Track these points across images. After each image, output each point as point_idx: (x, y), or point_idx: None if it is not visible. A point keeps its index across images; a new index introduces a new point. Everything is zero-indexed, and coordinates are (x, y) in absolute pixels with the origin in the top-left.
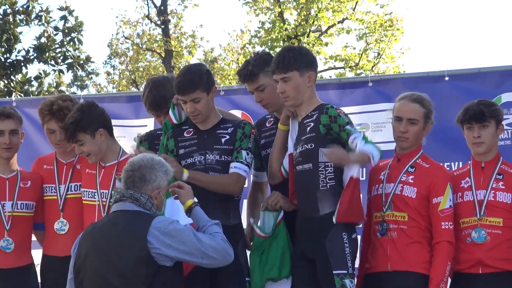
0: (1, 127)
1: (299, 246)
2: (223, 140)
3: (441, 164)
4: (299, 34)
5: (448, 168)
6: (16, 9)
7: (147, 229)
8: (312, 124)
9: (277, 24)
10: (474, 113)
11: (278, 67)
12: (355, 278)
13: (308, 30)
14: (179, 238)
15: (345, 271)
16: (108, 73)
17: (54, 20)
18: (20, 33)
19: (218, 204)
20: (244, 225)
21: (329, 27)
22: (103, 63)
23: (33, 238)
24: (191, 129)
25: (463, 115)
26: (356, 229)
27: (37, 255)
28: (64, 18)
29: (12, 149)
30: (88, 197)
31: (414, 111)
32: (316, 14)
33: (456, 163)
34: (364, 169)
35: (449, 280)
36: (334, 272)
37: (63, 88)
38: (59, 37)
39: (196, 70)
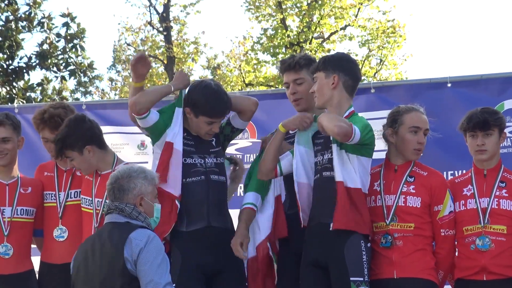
0: None
1: (311, 253)
2: (213, 143)
3: (443, 172)
4: (302, 40)
5: (451, 177)
6: (18, 15)
7: (124, 241)
8: None
9: (279, 30)
10: (478, 121)
11: (313, 67)
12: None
13: (310, 37)
14: (145, 255)
15: (362, 279)
16: (111, 79)
17: (56, 26)
18: (22, 39)
19: (217, 206)
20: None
21: (331, 34)
22: (107, 68)
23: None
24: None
25: (467, 123)
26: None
27: (36, 262)
28: (66, 24)
29: (6, 156)
30: (86, 205)
31: (427, 122)
32: (319, 21)
33: (459, 171)
34: None
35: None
36: (351, 279)
37: (66, 94)
38: (61, 43)
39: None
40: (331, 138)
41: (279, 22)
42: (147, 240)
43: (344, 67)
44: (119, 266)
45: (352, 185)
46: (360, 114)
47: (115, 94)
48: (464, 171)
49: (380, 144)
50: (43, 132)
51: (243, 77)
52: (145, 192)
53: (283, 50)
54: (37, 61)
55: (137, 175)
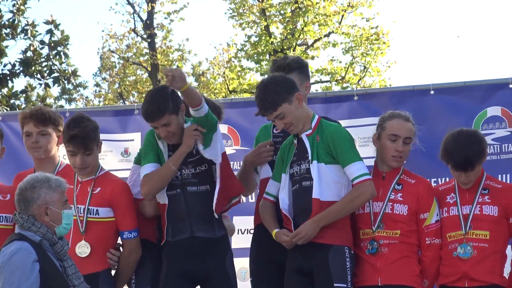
0: None
1: (295, 260)
2: (193, 151)
3: (428, 179)
4: (285, 47)
5: (434, 184)
6: (2, 23)
7: None
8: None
9: (263, 37)
10: (462, 164)
11: (266, 109)
12: None
13: (294, 44)
14: (1, 271)
15: (345, 285)
16: (98, 84)
17: (40, 34)
18: (6, 47)
19: (201, 216)
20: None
21: (315, 41)
22: (93, 74)
23: None
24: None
25: (448, 162)
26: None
27: None
28: (50, 32)
29: None
30: None
31: (410, 130)
32: (302, 28)
33: (443, 179)
34: None
35: None
36: (335, 284)
37: (50, 101)
38: (45, 51)
39: (161, 95)
40: (310, 153)
41: (263, 29)
42: (9, 255)
43: (292, 85)
44: None
45: (330, 199)
46: (343, 122)
47: (99, 102)
48: (448, 179)
49: (365, 151)
50: (27, 125)
51: (227, 84)
52: (49, 201)
53: (267, 57)
54: (21, 68)
55: (40, 185)
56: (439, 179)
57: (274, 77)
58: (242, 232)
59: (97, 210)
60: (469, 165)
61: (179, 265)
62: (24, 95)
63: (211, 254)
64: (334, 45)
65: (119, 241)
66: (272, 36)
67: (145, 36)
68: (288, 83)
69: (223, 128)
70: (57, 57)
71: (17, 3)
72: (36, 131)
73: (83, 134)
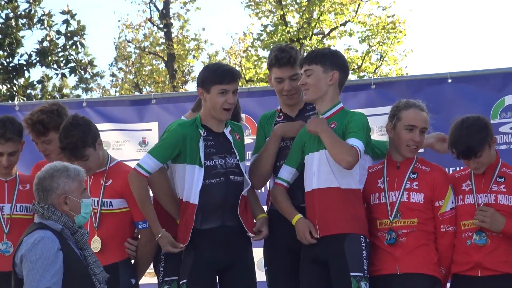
0: (0, 150)
1: (311, 250)
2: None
3: (445, 168)
4: (302, 37)
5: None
6: (18, 13)
7: (20, 243)
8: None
9: (279, 27)
10: (464, 153)
11: (305, 59)
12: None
13: (310, 33)
14: (25, 260)
15: (362, 274)
16: (113, 75)
17: (56, 24)
18: (23, 37)
19: (234, 205)
20: None
21: (331, 30)
22: (109, 64)
23: None
24: (204, 130)
25: (453, 151)
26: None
27: None
28: (66, 22)
29: (10, 167)
30: None
31: (426, 120)
32: (319, 17)
33: (460, 168)
34: None
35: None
36: (351, 274)
37: (67, 91)
38: (61, 41)
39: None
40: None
41: (279, 18)
42: (32, 244)
43: (342, 64)
44: (13, 268)
45: (346, 186)
46: (360, 111)
47: (115, 91)
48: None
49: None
50: (31, 134)
51: (243, 73)
52: (69, 190)
53: None
54: (37, 59)
55: (59, 174)
56: (457, 168)
57: (336, 50)
58: None
59: (110, 202)
60: (472, 154)
61: (207, 254)
62: (40, 85)
63: (237, 242)
64: (350, 34)
65: None
66: (289, 25)
67: (161, 25)
68: (340, 60)
69: None
70: (74, 47)
71: None
72: (40, 141)
73: (71, 146)
